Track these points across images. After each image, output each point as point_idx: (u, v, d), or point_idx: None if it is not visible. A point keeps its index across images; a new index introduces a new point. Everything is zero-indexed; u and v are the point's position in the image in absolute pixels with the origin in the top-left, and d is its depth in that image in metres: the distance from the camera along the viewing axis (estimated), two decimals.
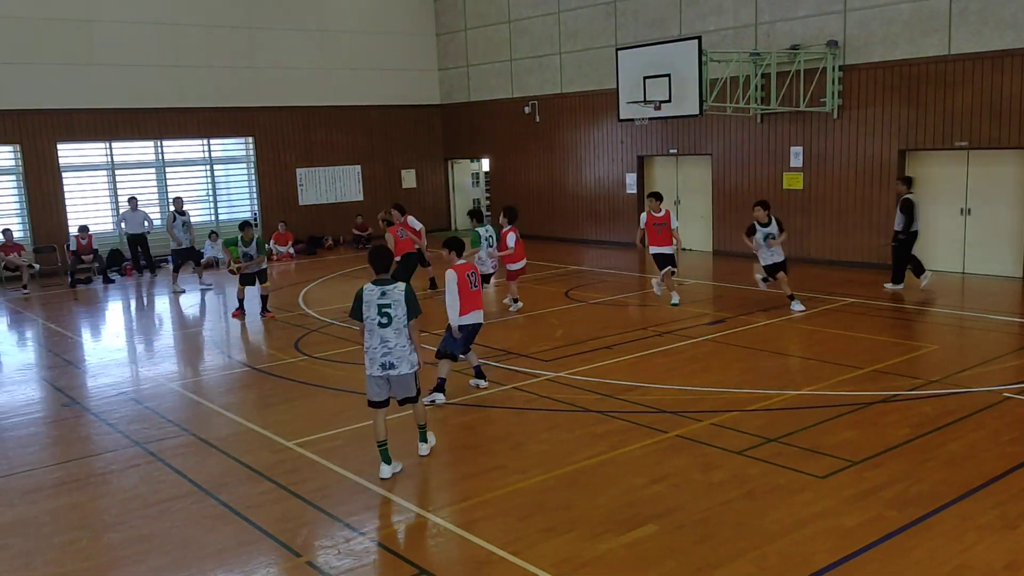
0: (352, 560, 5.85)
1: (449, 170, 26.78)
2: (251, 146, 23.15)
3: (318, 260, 21.66)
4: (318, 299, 15.93)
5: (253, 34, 22.54)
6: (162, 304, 17.04)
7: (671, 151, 20.23)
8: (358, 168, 24.81)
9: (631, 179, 21.18)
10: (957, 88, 15.23)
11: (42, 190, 20.12)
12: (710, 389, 9.37)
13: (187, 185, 22.25)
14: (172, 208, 18.03)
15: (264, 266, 14.38)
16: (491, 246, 13.69)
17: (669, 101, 16.35)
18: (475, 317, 9.18)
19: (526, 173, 23.86)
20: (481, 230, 13.59)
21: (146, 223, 19.99)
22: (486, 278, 13.69)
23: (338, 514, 6.59)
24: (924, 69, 15.61)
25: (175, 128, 21.69)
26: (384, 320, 7.05)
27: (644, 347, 11.33)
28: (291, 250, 22.35)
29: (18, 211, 20.15)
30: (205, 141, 22.49)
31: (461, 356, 9.36)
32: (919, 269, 14.57)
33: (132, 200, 19.92)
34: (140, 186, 21.49)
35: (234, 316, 14.45)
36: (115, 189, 21.16)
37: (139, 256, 20.12)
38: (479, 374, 9.69)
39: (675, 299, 13.86)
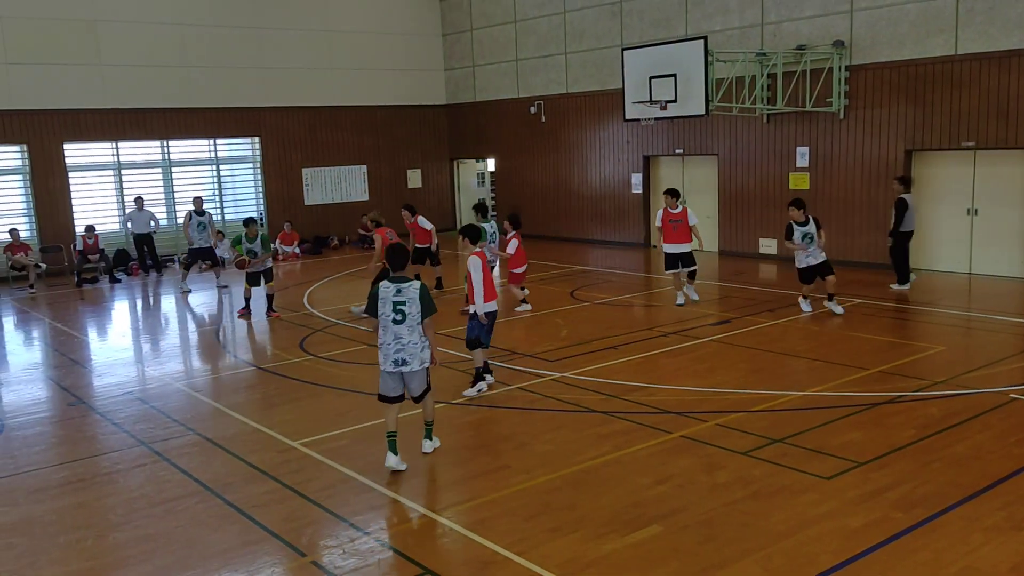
0: (357, 560, 5.86)
1: (455, 170, 26.80)
2: (257, 146, 23.19)
3: (323, 260, 21.68)
4: (323, 299, 15.95)
5: (259, 34, 22.57)
6: (168, 304, 17.07)
7: (677, 151, 20.21)
8: (364, 168, 24.83)
9: (637, 179, 21.17)
10: (964, 88, 15.18)
11: (49, 190, 20.18)
12: (715, 390, 9.36)
13: (193, 185, 22.29)
14: (192, 207, 18.08)
15: (269, 265, 14.39)
16: (493, 242, 14.00)
17: (675, 101, 16.34)
18: (495, 304, 9.52)
19: (532, 173, 23.85)
20: (486, 225, 13.87)
21: (152, 223, 20.04)
22: None
23: (343, 514, 6.59)
24: (931, 69, 15.57)
25: (181, 128, 21.73)
26: (399, 317, 7.20)
27: (649, 347, 11.32)
28: (296, 250, 22.38)
29: (25, 211, 20.20)
30: (211, 141, 22.53)
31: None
32: (906, 275, 14.68)
33: (138, 200, 19.96)
34: (146, 186, 21.54)
35: (239, 316, 14.48)
36: (121, 189, 21.20)
37: (145, 256, 20.17)
38: (486, 369, 9.73)
39: (680, 300, 13.84)
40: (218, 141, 22.64)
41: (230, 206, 23.03)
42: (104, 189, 21.21)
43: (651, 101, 16.62)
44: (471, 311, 9.45)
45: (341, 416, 8.94)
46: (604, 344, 11.54)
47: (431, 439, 7.77)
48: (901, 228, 14.41)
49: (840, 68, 16.58)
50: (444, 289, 15.71)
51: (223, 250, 19.51)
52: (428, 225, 15.56)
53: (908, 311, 13.20)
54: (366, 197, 24.76)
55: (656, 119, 17.10)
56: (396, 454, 7.32)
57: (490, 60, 24.41)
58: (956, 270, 15.99)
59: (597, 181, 22.15)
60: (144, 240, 19.98)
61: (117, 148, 21.10)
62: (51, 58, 19.80)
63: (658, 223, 13.74)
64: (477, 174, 27.39)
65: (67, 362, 12.03)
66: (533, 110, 23.17)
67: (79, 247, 19.62)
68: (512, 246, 13.83)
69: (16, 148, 19.93)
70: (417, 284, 7.30)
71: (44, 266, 19.13)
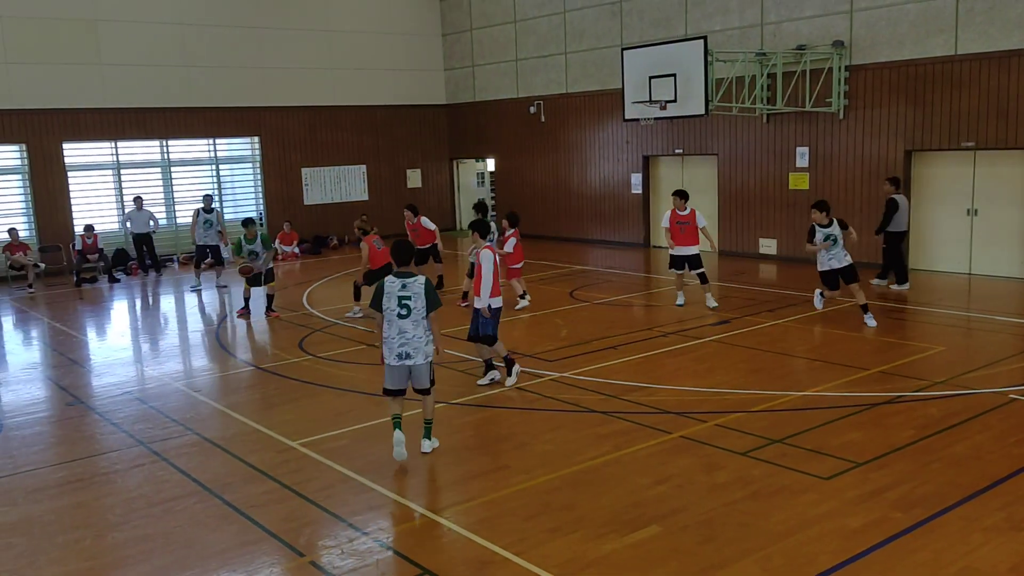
0: (355, 560, 5.85)
1: (454, 170, 26.79)
2: (257, 146, 23.18)
3: (323, 260, 21.67)
4: (323, 299, 15.94)
5: (259, 34, 22.56)
6: (167, 303, 17.07)
7: (677, 151, 20.20)
8: (363, 168, 24.82)
9: (636, 179, 21.16)
10: (964, 88, 15.18)
11: (48, 189, 20.16)
12: (715, 390, 9.35)
13: (193, 185, 22.28)
14: (201, 205, 18.10)
15: (270, 265, 14.39)
16: (491, 241, 13.94)
17: (675, 101, 16.33)
18: (500, 300, 9.71)
19: (531, 173, 23.85)
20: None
21: (151, 222, 20.03)
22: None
23: (342, 514, 6.58)
24: (930, 69, 15.57)
25: (181, 128, 21.72)
26: (403, 312, 7.33)
27: (649, 348, 11.31)
28: (296, 250, 22.37)
29: (24, 210, 20.18)
30: (211, 141, 22.52)
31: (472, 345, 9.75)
32: (885, 272, 14.73)
33: (138, 200, 19.95)
34: (146, 186, 21.53)
35: (239, 315, 14.47)
36: (121, 189, 21.19)
37: (144, 256, 20.16)
38: (490, 367, 9.82)
39: (680, 300, 13.82)
40: (217, 141, 22.63)
41: (229, 206, 23.01)
42: (103, 189, 21.18)
43: (651, 101, 16.62)
44: (476, 305, 9.57)
45: (340, 416, 8.93)
46: (604, 344, 11.53)
47: (430, 439, 7.78)
48: (892, 229, 14.46)
49: (840, 68, 16.57)
50: (445, 288, 15.68)
51: (226, 252, 19.52)
52: (432, 225, 15.57)
53: (908, 311, 13.20)
54: (365, 197, 24.75)
55: (656, 119, 17.10)
56: (401, 431, 7.43)
57: (490, 60, 24.40)
58: (956, 270, 15.99)
59: (597, 181, 22.15)
60: (143, 240, 19.97)
61: (116, 148, 21.08)
62: (51, 57, 19.78)
63: (664, 224, 13.49)
64: (477, 174, 27.38)
65: (66, 362, 12.02)
66: (533, 110, 23.16)
67: (78, 247, 19.61)
68: (510, 244, 13.85)
69: (15, 147, 19.91)
70: (422, 279, 7.43)
71: (43, 266, 19.11)
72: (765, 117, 18.06)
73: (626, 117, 17.60)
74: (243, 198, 23.36)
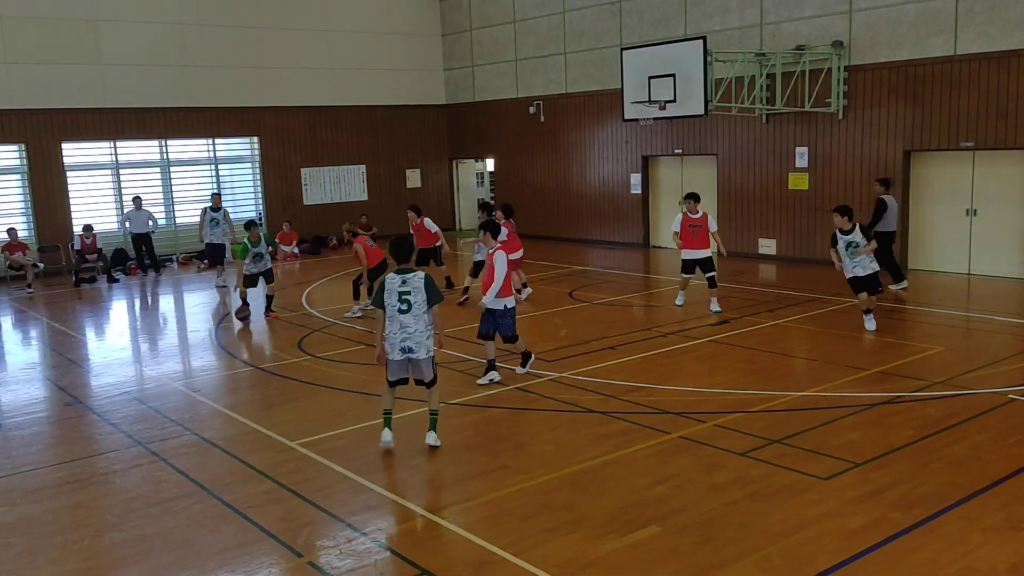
0: (354, 560, 5.84)
1: (454, 170, 26.78)
2: (256, 146, 23.18)
3: (322, 260, 21.67)
4: (322, 299, 15.93)
5: (258, 34, 22.55)
6: (166, 303, 17.07)
7: (676, 151, 20.20)
8: (363, 168, 24.82)
9: (636, 179, 21.16)
10: (963, 89, 15.18)
11: (47, 189, 20.16)
12: (714, 390, 9.35)
13: (193, 185, 22.27)
14: (209, 204, 18.21)
15: (270, 265, 14.38)
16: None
17: (674, 101, 16.32)
18: (514, 300, 9.88)
19: (531, 173, 23.84)
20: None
21: (150, 222, 20.03)
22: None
23: (340, 514, 6.58)
24: (930, 70, 15.56)
25: (180, 128, 21.72)
26: (404, 307, 7.51)
27: (648, 348, 11.31)
28: (295, 250, 22.36)
29: (23, 210, 20.17)
30: (210, 141, 22.51)
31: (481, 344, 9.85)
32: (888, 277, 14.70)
33: (136, 199, 19.95)
34: (145, 186, 21.52)
35: (238, 315, 14.44)
36: (120, 188, 21.18)
37: (143, 256, 20.15)
38: (491, 367, 9.86)
39: (680, 300, 13.80)
40: (217, 141, 22.63)
41: (229, 206, 22.89)
42: (102, 189, 21.18)
43: (650, 101, 16.61)
44: (485, 303, 9.65)
45: (339, 416, 8.93)
46: (603, 344, 11.53)
47: (435, 430, 7.83)
48: (881, 229, 14.42)
49: (839, 68, 16.57)
50: (455, 287, 15.63)
51: (228, 255, 19.51)
52: (435, 228, 15.56)
53: (907, 311, 13.20)
54: (365, 197, 24.75)
55: (655, 119, 17.09)
56: (391, 430, 7.73)
57: (489, 60, 24.39)
58: (955, 270, 15.99)
59: (596, 181, 22.14)
60: (142, 240, 19.97)
61: (115, 147, 21.08)
62: (51, 57, 19.78)
63: (675, 228, 13.29)
64: (476, 174, 27.38)
65: (64, 362, 12.01)
66: (532, 110, 23.15)
67: (77, 247, 19.60)
68: (503, 233, 13.80)
69: (14, 147, 19.90)
70: (422, 274, 7.60)
71: (42, 266, 19.10)
72: (764, 117, 18.06)
73: (625, 117, 17.60)
74: (243, 198, 23.34)
